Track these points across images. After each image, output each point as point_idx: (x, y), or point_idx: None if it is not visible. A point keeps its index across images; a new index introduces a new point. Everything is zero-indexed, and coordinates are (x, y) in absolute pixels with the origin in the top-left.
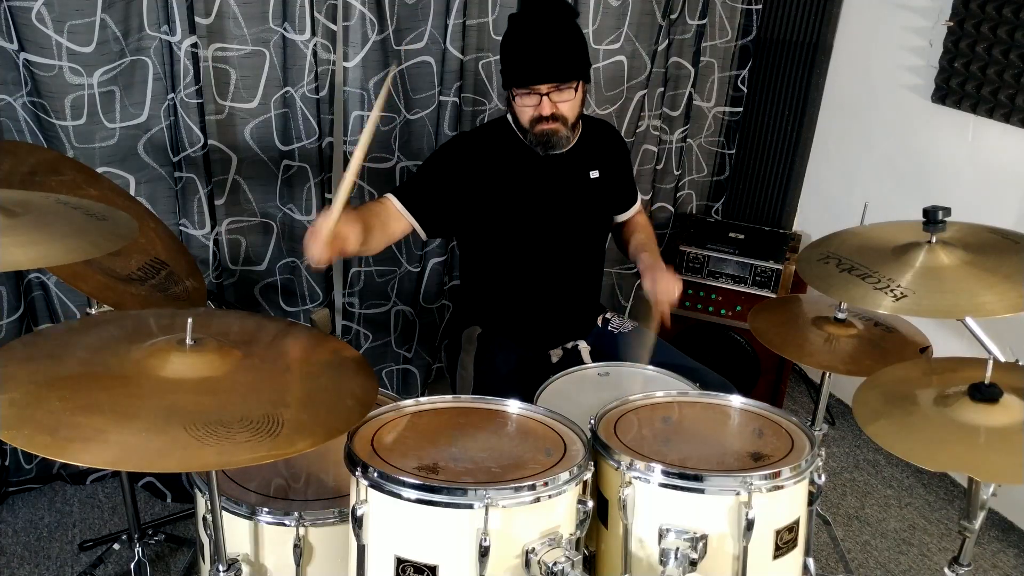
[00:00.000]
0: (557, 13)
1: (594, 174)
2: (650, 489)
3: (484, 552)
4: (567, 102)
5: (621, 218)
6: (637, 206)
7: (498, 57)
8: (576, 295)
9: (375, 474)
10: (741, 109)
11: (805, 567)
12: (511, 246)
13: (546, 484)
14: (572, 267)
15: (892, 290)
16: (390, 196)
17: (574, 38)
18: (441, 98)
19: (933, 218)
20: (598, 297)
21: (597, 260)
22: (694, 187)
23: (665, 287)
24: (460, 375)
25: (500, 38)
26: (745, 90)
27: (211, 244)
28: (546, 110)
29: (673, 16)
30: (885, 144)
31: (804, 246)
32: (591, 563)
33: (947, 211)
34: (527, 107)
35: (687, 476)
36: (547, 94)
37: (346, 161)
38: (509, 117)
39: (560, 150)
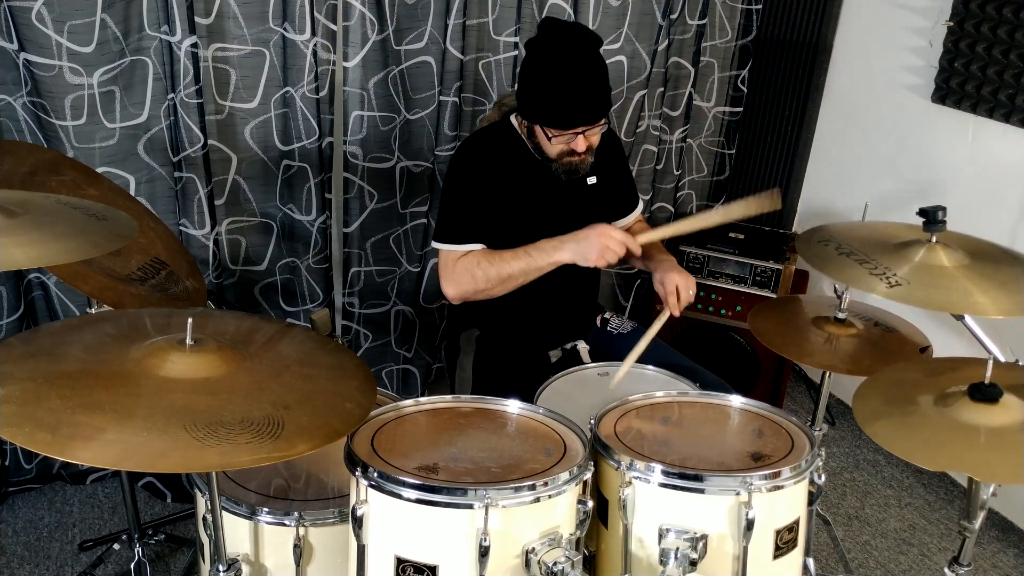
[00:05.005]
0: (588, 46)
1: (591, 181)
2: (650, 489)
3: (484, 552)
4: (596, 134)
5: (622, 224)
6: (638, 212)
7: (498, 58)
8: (574, 299)
9: (375, 474)
10: (741, 109)
11: (805, 567)
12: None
13: (546, 484)
14: (570, 272)
15: (887, 277)
16: (459, 247)
17: (605, 71)
18: (441, 98)
19: (933, 218)
20: (596, 299)
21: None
22: (694, 187)
23: (680, 282)
24: (459, 377)
25: (500, 38)
26: (745, 90)
27: (211, 244)
28: (581, 147)
29: (673, 16)
30: (885, 144)
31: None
32: (591, 563)
33: (943, 210)
34: (559, 144)
35: (687, 476)
36: (583, 132)
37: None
38: (515, 125)
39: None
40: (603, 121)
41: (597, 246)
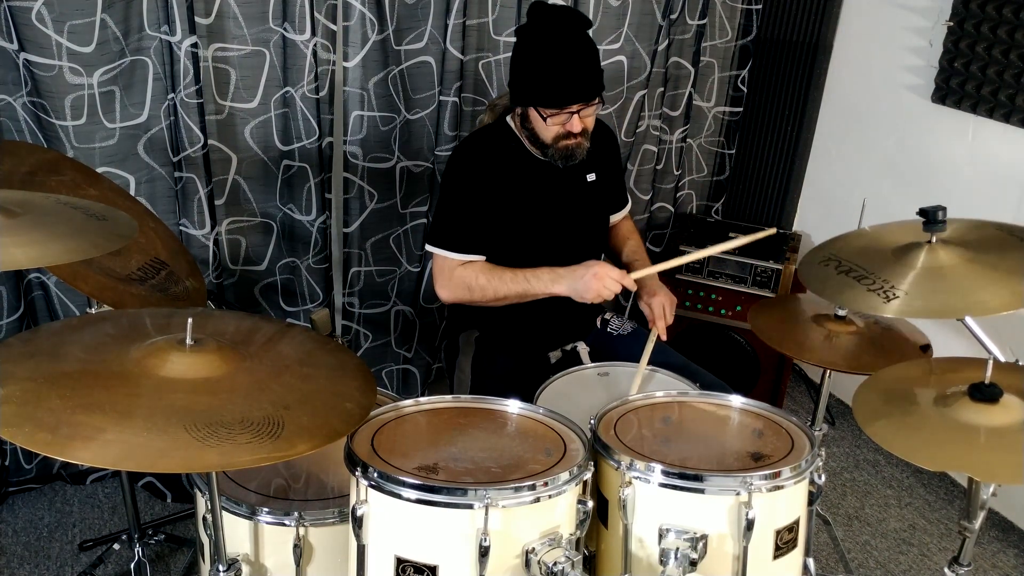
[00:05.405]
0: (577, 26)
1: (591, 177)
2: (650, 489)
3: (484, 552)
4: (591, 116)
5: (612, 219)
6: (626, 209)
7: (498, 57)
8: (574, 300)
9: (375, 474)
10: (741, 109)
11: (805, 567)
12: (510, 252)
13: (546, 484)
14: None
15: (884, 292)
16: (458, 256)
17: (595, 50)
18: (441, 98)
19: (933, 218)
20: None
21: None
22: (694, 187)
23: (666, 303)
24: (457, 378)
25: (500, 38)
26: (745, 90)
27: (211, 244)
28: (577, 127)
29: (673, 16)
30: (885, 144)
31: (804, 246)
32: (591, 563)
33: (943, 210)
34: (554, 126)
35: (687, 476)
36: (577, 112)
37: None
38: (512, 125)
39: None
40: (596, 101)
41: (593, 288)
